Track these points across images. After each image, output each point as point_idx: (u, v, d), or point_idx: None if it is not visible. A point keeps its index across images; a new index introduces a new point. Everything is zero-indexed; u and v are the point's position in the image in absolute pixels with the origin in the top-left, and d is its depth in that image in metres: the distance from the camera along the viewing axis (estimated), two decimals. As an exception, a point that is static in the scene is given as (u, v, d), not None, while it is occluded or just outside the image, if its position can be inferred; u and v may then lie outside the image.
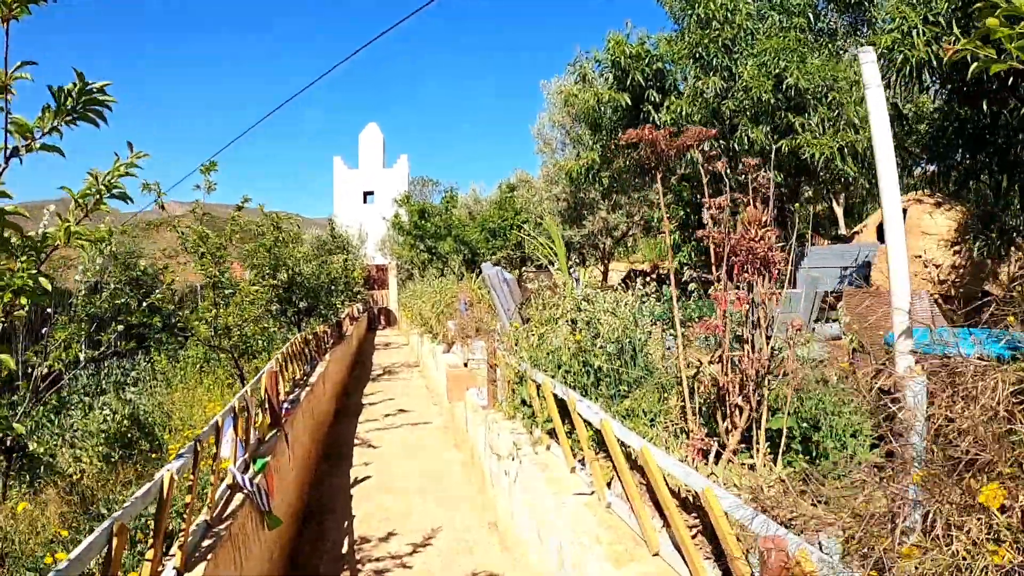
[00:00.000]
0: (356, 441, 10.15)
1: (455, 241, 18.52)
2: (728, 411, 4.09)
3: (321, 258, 16.61)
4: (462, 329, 11.28)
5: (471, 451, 8.45)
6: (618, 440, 4.20)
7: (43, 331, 6.21)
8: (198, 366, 10.94)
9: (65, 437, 7.78)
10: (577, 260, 21.08)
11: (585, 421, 4.72)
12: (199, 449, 4.43)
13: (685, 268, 13.76)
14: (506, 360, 6.84)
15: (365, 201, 41.11)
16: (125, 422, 8.69)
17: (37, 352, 5.77)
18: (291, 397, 8.59)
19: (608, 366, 5.50)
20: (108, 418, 8.49)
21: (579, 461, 5.07)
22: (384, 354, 21.63)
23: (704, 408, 4.62)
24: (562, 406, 5.27)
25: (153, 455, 7.93)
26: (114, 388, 10.53)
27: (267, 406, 6.72)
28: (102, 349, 7.20)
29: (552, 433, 5.61)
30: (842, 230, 20.17)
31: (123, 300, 6.95)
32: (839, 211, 21.01)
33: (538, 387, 5.85)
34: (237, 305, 8.02)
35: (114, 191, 2.77)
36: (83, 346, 6.34)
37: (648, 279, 6.74)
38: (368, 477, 8.54)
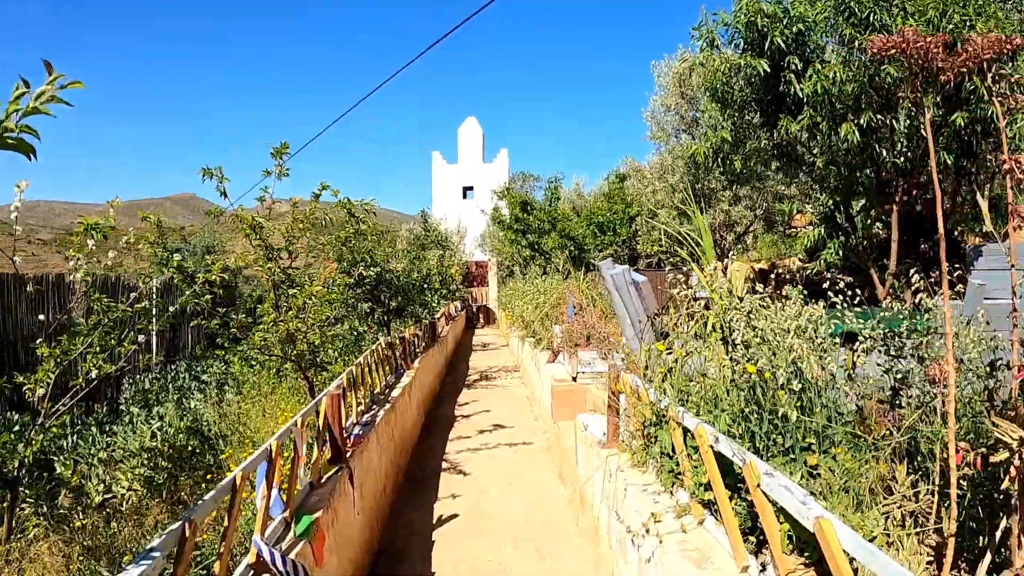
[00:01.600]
0: (444, 465, 8.69)
1: (560, 236, 16.93)
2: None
3: (412, 254, 15.33)
4: (569, 336, 9.70)
5: (580, 493, 6.83)
6: (847, 556, 2.49)
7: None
8: (274, 369, 9.80)
9: (100, 457, 6.66)
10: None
11: (779, 509, 3.04)
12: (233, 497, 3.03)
13: (830, 269, 11.73)
14: (636, 388, 5.19)
15: (464, 197, 40.40)
16: (181, 436, 7.54)
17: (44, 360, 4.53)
18: (365, 418, 7.20)
19: (796, 413, 3.76)
20: (157, 431, 7.34)
21: (755, 555, 3.40)
22: (482, 356, 20.28)
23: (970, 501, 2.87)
24: (725, 466, 3.62)
25: (208, 476, 6.73)
26: (177, 393, 9.49)
27: (327, 436, 5.32)
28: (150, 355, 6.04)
29: (709, 504, 3.94)
30: (987, 226, 17.39)
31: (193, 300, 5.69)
32: (983, 204, 18.08)
33: (685, 432, 4.20)
34: (300, 308, 6.67)
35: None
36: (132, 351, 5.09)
37: (773, 279, 4.98)
38: (455, 516, 7.06)
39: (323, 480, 5.10)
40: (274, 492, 3.96)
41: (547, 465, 8.57)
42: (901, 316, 4.76)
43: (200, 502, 3.22)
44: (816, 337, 4.46)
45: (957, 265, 5.26)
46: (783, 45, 9.10)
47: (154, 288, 11.48)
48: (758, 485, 3.11)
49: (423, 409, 10.98)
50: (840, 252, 10.53)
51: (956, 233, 11.56)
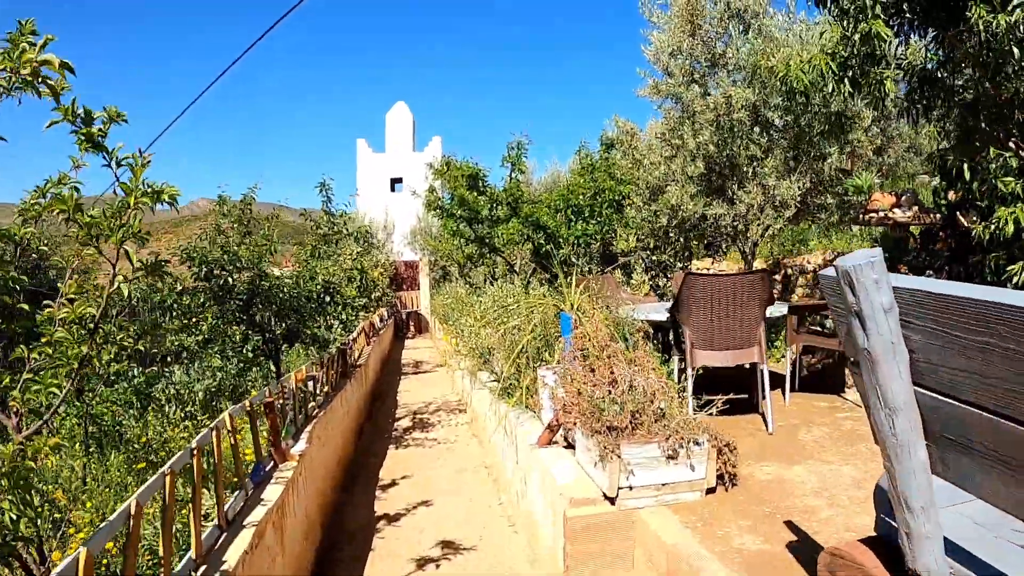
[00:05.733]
0: None
1: (523, 224, 12.34)
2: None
3: (308, 251, 10.62)
4: (584, 407, 5.14)
5: None
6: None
7: None
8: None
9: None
10: (705, 251, 14.83)
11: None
12: None
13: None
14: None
15: (393, 189, 36.56)
16: None
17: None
18: None
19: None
20: None
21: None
22: (414, 383, 15.60)
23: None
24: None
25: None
26: None
27: None
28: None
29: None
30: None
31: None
32: None
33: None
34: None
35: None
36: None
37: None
38: None
39: None
40: None
41: None
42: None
43: None
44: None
45: None
46: None
47: None
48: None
49: (314, 525, 6.28)
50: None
51: None
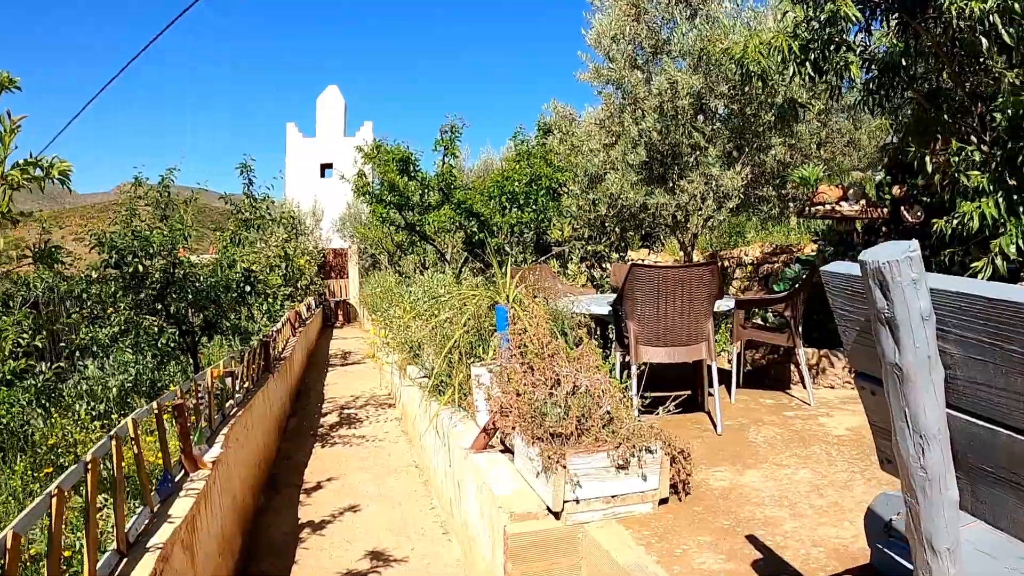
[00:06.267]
0: None
1: (456, 211, 11.83)
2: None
3: (227, 238, 9.95)
4: (524, 411, 4.74)
5: None
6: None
7: None
8: None
9: None
10: (641, 242, 14.59)
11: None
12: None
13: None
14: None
15: (323, 175, 35.63)
16: None
17: None
18: None
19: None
20: None
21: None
22: (341, 375, 14.97)
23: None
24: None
25: None
26: None
27: None
28: None
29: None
30: None
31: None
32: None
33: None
34: None
35: None
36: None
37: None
38: None
39: None
40: None
41: None
42: None
43: None
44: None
45: None
46: None
47: None
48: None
49: (231, 539, 5.71)
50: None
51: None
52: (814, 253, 9.73)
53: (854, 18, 4.43)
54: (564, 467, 3.85)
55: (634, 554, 3.46)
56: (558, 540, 3.83)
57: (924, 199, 7.39)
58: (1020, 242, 4.50)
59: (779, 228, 13.24)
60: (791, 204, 9.47)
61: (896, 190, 7.53)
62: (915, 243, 1.53)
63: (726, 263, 12.76)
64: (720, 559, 3.37)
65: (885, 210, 7.39)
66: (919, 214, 7.41)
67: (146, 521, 3.94)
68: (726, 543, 3.52)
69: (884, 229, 7.89)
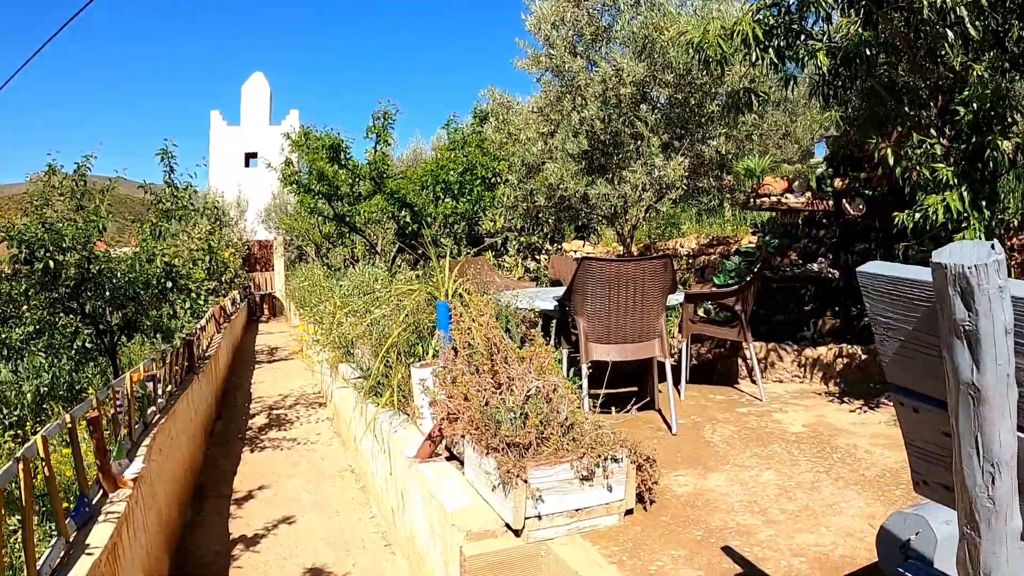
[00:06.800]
0: None
1: (389, 201, 11.38)
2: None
3: (147, 230, 9.34)
4: (476, 417, 4.37)
5: None
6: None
7: None
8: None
9: None
10: (576, 234, 14.38)
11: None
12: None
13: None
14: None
15: (247, 164, 34.55)
16: None
17: None
18: None
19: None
20: None
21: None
22: (268, 372, 14.37)
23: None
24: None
25: None
26: None
27: None
28: None
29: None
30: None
31: None
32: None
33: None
34: None
35: None
36: None
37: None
38: None
39: None
40: None
41: None
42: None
43: None
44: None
45: None
46: None
47: None
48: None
49: (158, 561, 5.23)
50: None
51: None
52: (753, 245, 9.70)
53: (826, 3, 4.28)
54: (525, 481, 3.57)
55: (606, 574, 3.20)
56: (520, 560, 3.54)
57: (866, 192, 7.38)
58: (982, 236, 4.44)
59: (715, 219, 13.25)
60: (730, 195, 9.40)
61: (838, 183, 7.51)
62: (998, 245, 1.29)
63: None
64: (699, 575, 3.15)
65: (829, 203, 7.36)
66: (860, 207, 7.40)
67: (61, 553, 3.49)
68: (702, 556, 3.31)
69: (825, 221, 7.88)
